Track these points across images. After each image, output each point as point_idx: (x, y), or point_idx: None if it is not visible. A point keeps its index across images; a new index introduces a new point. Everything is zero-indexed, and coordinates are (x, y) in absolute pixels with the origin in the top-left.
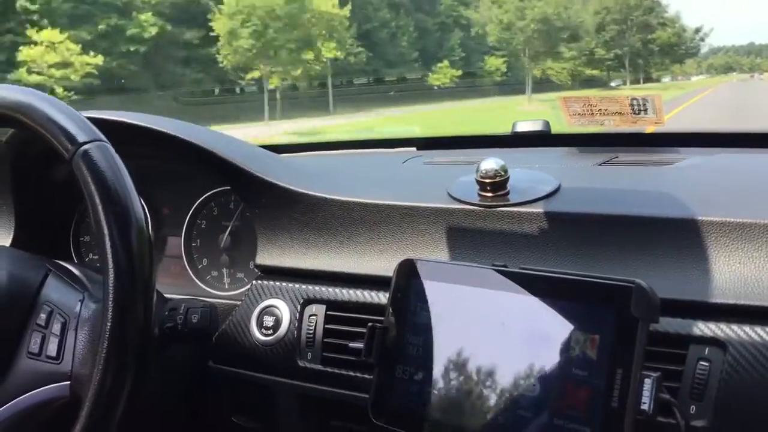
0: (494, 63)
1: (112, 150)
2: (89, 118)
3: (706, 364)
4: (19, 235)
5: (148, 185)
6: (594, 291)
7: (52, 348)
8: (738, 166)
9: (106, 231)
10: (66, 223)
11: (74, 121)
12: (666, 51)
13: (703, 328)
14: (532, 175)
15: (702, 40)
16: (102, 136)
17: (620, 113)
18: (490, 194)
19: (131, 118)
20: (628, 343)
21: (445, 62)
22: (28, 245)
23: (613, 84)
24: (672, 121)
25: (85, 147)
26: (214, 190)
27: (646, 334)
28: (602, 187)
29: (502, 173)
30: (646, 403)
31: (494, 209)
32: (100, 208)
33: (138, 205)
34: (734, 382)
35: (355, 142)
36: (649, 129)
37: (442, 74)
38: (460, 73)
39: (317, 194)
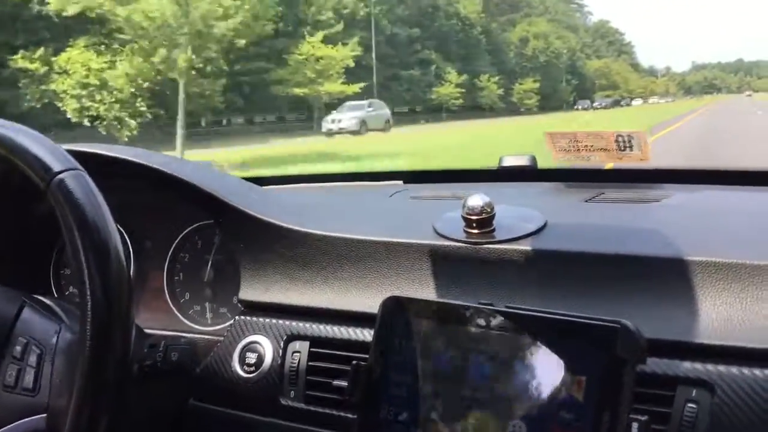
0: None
1: (89, 179)
2: (67, 150)
3: (694, 406)
4: None
5: (130, 218)
6: (580, 331)
7: (28, 380)
8: (725, 204)
9: (83, 261)
10: (46, 257)
11: (49, 151)
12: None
13: (691, 369)
14: (518, 212)
15: None
16: (78, 165)
17: (606, 149)
18: (476, 231)
19: (111, 151)
20: (615, 385)
21: None
22: (7, 279)
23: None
24: None
25: (61, 176)
26: (198, 224)
27: (633, 376)
28: (589, 224)
29: (488, 210)
30: None
31: (480, 246)
32: (77, 238)
33: (116, 235)
34: (722, 425)
35: (341, 175)
36: (635, 165)
37: None
38: None
39: (302, 229)
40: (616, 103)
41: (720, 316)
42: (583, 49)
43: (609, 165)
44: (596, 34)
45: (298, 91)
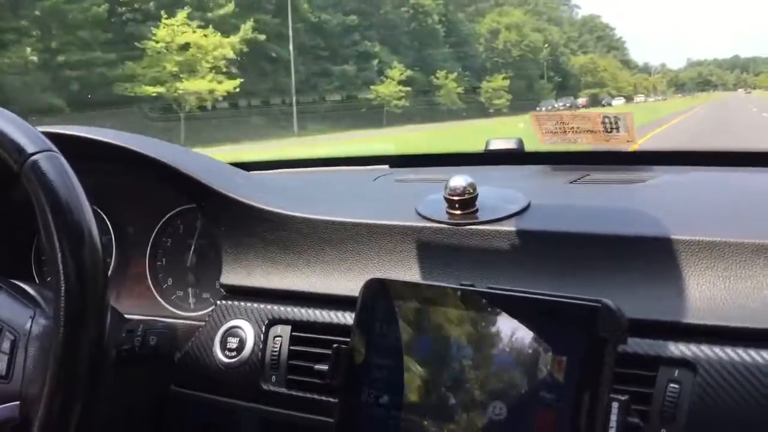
0: None
1: (64, 161)
2: (44, 132)
3: (677, 386)
4: None
5: (111, 202)
6: (560, 311)
7: (0, 367)
8: (710, 184)
9: (57, 244)
10: (28, 243)
11: (23, 132)
12: None
13: (674, 349)
14: (501, 193)
15: None
16: (53, 147)
17: (592, 131)
18: (458, 212)
19: (89, 133)
20: (596, 365)
21: None
22: None
23: None
24: None
25: (35, 158)
26: (180, 208)
27: (614, 356)
28: (573, 204)
29: (471, 191)
30: (613, 428)
31: (462, 227)
32: (50, 221)
33: (91, 219)
34: (705, 405)
35: (327, 159)
36: (622, 147)
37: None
38: None
39: (283, 212)
40: (596, 103)
41: (703, 295)
42: (568, 43)
43: (596, 147)
44: (584, 28)
45: (151, 89)
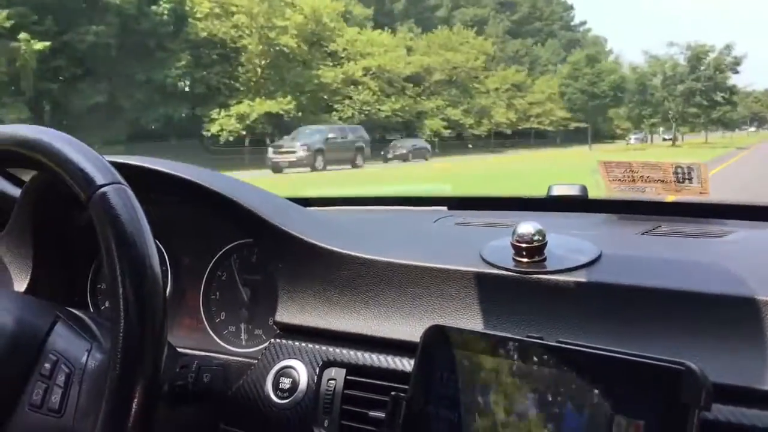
0: None
1: (132, 194)
2: (111, 162)
3: None
4: (35, 280)
5: (169, 233)
6: (639, 372)
7: (54, 400)
8: None
9: (119, 278)
10: (85, 270)
11: (93, 163)
12: None
13: (758, 417)
14: (571, 242)
15: None
16: (121, 179)
17: (663, 181)
18: (525, 260)
19: (153, 164)
20: None
21: None
22: (44, 291)
23: None
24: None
25: (103, 189)
26: (237, 242)
27: (697, 424)
28: (647, 257)
29: (540, 238)
30: None
31: (530, 276)
32: (114, 254)
33: (154, 254)
34: None
35: (386, 198)
36: (694, 199)
37: None
38: None
39: (342, 251)
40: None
41: None
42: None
43: (668, 198)
44: None
45: None
